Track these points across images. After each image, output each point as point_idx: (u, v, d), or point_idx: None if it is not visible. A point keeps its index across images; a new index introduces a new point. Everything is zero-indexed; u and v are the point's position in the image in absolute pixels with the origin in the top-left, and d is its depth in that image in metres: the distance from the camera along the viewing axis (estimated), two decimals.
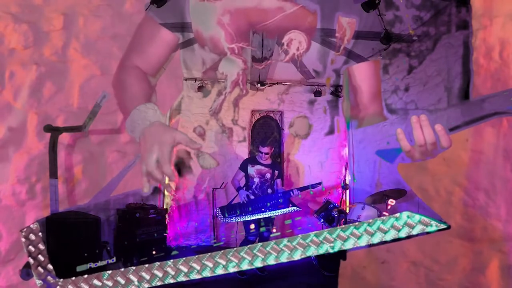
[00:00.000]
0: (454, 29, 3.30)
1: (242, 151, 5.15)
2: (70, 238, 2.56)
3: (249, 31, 2.32)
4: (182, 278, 0.85)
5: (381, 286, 3.43)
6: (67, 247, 2.53)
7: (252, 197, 3.63)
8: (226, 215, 3.57)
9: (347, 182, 4.44)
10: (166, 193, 4.67)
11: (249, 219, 3.54)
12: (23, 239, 0.93)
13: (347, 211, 3.81)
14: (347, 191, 4.37)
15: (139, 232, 3.54)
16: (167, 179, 1.11)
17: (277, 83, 5.06)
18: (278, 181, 3.80)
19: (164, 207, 4.38)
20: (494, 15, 3.15)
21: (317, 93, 4.99)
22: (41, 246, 0.93)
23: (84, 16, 3.05)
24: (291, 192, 3.53)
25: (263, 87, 4.93)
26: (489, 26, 3.18)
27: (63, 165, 3.02)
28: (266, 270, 3.64)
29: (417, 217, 0.82)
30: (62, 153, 3.00)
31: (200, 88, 4.80)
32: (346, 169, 4.61)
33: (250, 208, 3.54)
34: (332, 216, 3.70)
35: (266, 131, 5.25)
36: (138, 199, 3.86)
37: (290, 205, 3.55)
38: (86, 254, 2.58)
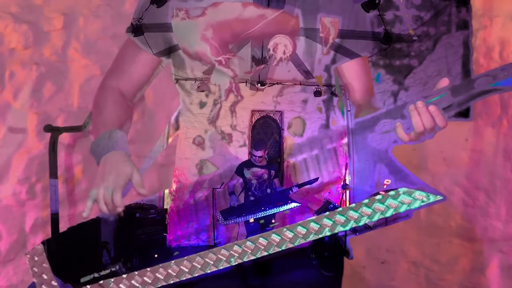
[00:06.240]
0: (454, 29, 3.30)
1: (242, 150, 5.15)
2: (68, 238, 2.54)
3: (233, 42, 2.30)
4: (184, 277, 0.85)
5: (381, 286, 3.43)
6: (65, 247, 2.52)
7: (252, 198, 3.63)
8: (227, 217, 3.58)
9: (347, 182, 4.43)
10: (166, 192, 4.66)
11: (251, 220, 3.55)
12: (27, 262, 0.96)
13: None
14: (347, 191, 4.37)
15: (138, 232, 3.54)
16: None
17: (277, 83, 5.06)
18: (276, 180, 3.81)
19: (164, 207, 4.37)
20: (494, 15, 3.16)
21: (317, 93, 4.96)
22: (45, 265, 0.96)
23: (84, 16, 3.04)
24: (289, 190, 3.53)
25: (263, 87, 4.92)
26: (489, 26, 3.18)
27: (63, 165, 3.01)
28: (267, 270, 3.64)
29: (414, 192, 0.83)
30: (62, 153, 3.00)
31: (200, 88, 4.78)
32: (346, 169, 4.61)
33: (250, 209, 3.55)
34: None
35: (266, 132, 5.26)
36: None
37: (289, 201, 3.56)
38: (85, 255, 2.57)
